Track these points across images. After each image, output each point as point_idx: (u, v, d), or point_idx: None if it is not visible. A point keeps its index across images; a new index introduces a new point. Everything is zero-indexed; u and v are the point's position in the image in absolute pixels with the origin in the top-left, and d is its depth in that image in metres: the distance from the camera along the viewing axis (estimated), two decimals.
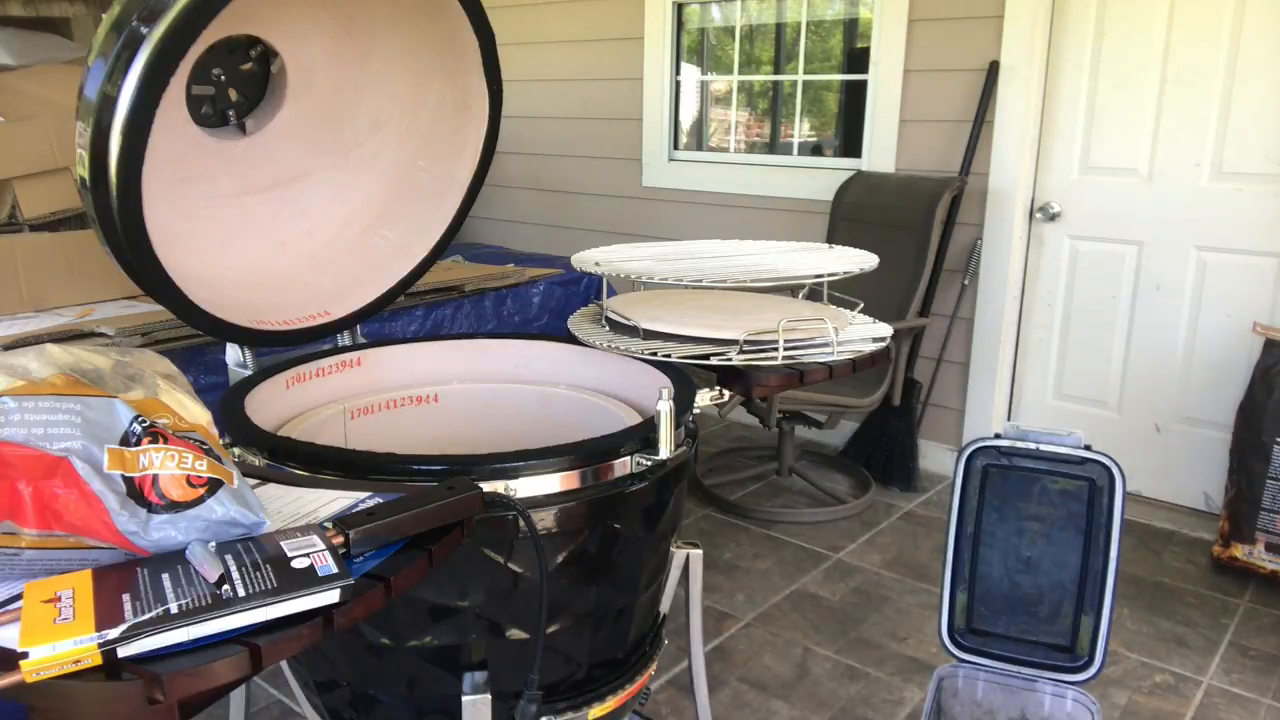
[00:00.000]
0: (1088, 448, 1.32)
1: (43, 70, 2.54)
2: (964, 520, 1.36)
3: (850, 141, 3.42)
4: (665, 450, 1.18)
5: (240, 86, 1.51)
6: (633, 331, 1.48)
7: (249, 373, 1.49)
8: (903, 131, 3.17)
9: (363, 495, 0.95)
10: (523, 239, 4.29)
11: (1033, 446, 1.32)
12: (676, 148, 3.83)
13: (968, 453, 1.31)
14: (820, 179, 3.36)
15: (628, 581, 1.26)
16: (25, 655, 0.65)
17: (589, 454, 1.14)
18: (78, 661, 0.66)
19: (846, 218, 3.22)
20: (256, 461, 1.14)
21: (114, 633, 0.67)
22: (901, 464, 3.17)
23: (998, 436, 1.33)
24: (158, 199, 1.25)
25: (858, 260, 1.61)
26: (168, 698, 0.67)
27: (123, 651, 0.68)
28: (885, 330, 1.55)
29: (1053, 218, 3.00)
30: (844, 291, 1.90)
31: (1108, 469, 1.30)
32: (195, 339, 1.86)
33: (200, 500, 0.81)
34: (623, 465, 1.18)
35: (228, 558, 0.77)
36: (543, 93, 4.11)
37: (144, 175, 1.18)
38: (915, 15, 3.08)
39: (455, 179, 1.64)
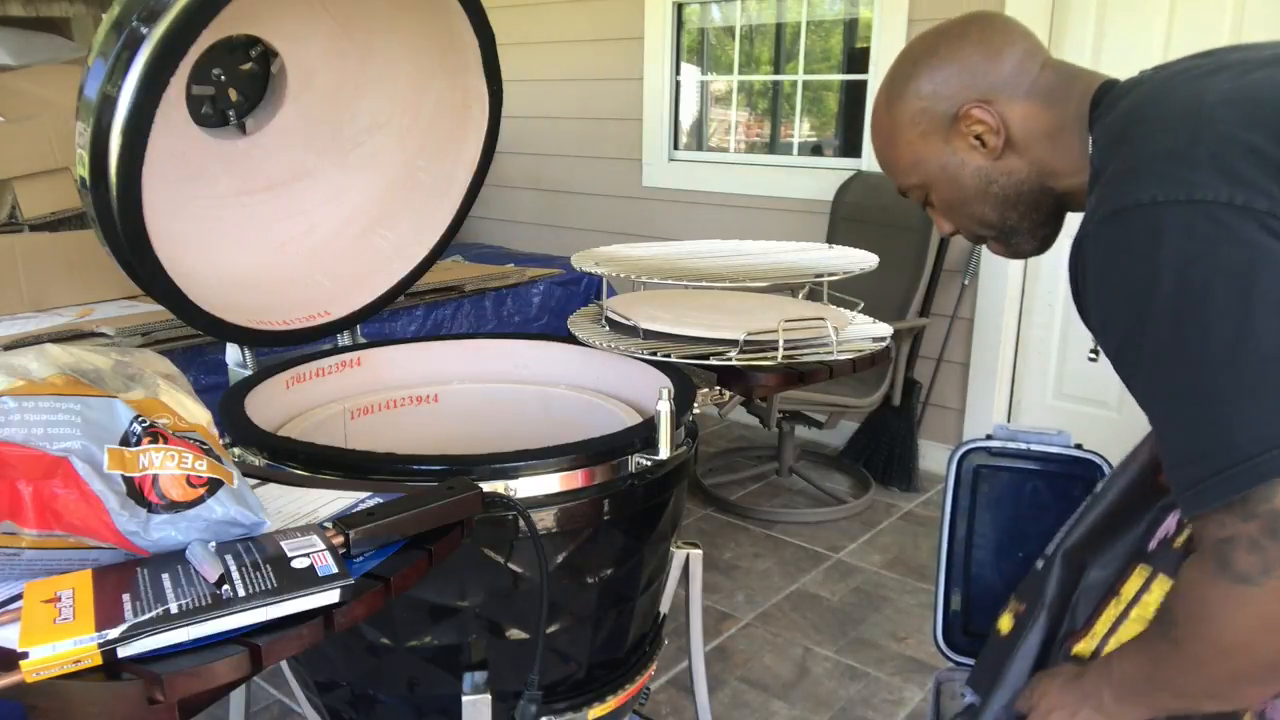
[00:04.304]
0: (1078, 446, 1.31)
1: (43, 70, 2.55)
2: (956, 522, 1.35)
3: (850, 141, 3.41)
4: (665, 450, 1.18)
5: (240, 86, 1.51)
6: (633, 331, 1.48)
7: (249, 373, 1.49)
8: None
9: (363, 495, 0.95)
10: (523, 239, 4.29)
11: (1023, 446, 1.32)
12: (676, 148, 3.83)
13: (959, 455, 1.31)
14: (820, 179, 3.36)
15: (628, 581, 1.26)
16: (25, 655, 0.65)
17: (589, 454, 1.15)
18: (78, 661, 0.66)
19: (846, 218, 3.22)
20: (256, 461, 1.14)
21: (114, 633, 0.67)
22: (901, 464, 3.17)
23: (988, 438, 1.33)
24: (158, 199, 1.25)
25: (858, 260, 1.61)
26: (168, 698, 0.67)
27: (123, 651, 0.68)
28: (885, 330, 1.55)
29: None
30: (844, 291, 1.90)
31: (1099, 466, 1.30)
32: (195, 339, 1.85)
33: (200, 500, 0.81)
34: (623, 465, 1.18)
35: (228, 558, 0.77)
36: (543, 93, 4.11)
37: (144, 175, 1.18)
38: (915, 15, 3.08)
39: (455, 179, 1.64)
